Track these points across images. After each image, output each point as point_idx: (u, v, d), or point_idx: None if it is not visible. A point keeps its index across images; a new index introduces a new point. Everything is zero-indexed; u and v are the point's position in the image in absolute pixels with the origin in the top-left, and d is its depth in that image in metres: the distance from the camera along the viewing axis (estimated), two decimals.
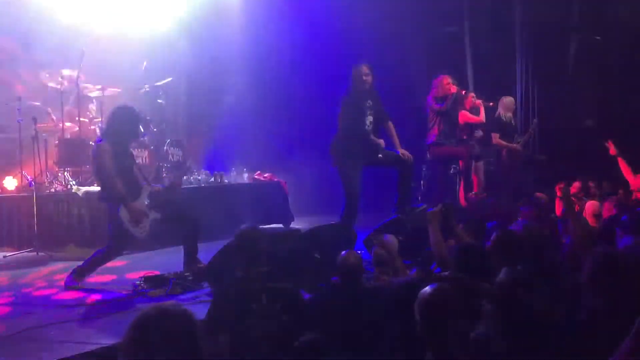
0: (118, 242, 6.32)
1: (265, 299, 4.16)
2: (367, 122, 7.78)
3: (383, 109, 8.00)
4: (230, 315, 4.12)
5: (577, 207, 7.79)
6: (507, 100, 10.43)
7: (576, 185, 8.76)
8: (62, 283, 6.20)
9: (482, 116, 10.15)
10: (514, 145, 10.26)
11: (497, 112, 10.36)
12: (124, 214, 6.10)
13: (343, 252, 4.99)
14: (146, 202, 6.31)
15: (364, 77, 7.69)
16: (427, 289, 3.14)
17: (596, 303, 3.35)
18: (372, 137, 7.73)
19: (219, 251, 5.93)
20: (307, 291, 5.09)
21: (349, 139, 7.70)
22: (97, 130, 9.61)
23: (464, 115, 10.13)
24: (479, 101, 10.19)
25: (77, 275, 6.20)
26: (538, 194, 8.52)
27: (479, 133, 10.32)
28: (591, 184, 9.06)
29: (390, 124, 8.03)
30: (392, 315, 3.99)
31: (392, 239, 5.69)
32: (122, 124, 6.40)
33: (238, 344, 4.05)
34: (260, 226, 5.36)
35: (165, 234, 7.81)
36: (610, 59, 11.74)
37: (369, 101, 7.77)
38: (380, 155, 7.79)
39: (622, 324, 2.89)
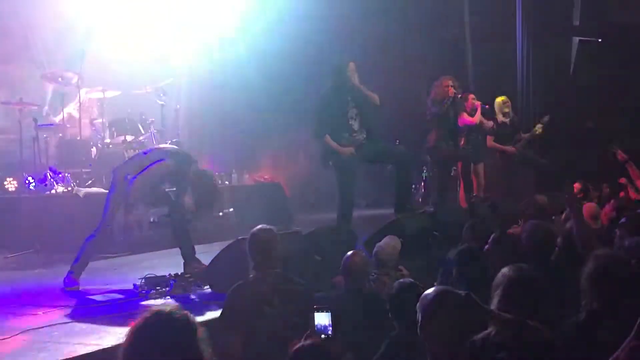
0: (106, 229, 6.33)
1: (277, 301, 4.16)
2: (352, 115, 7.74)
3: (367, 96, 7.93)
4: (243, 316, 4.12)
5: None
6: (497, 101, 10.40)
7: (575, 186, 8.75)
8: (62, 284, 6.20)
9: (477, 118, 10.10)
10: (507, 147, 10.24)
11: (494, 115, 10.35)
12: (120, 215, 6.12)
13: (349, 252, 4.98)
14: (151, 219, 6.34)
15: (351, 74, 7.67)
16: (430, 291, 3.15)
17: (596, 304, 3.36)
18: (327, 140, 7.66)
19: (220, 252, 5.93)
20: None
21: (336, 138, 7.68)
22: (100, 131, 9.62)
23: (463, 117, 10.14)
24: (477, 103, 10.18)
25: (73, 274, 6.19)
26: (538, 196, 8.52)
27: (489, 124, 10.29)
28: (590, 187, 9.06)
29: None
30: (394, 315, 4.00)
31: (394, 241, 5.69)
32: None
33: (250, 344, 4.05)
34: None
35: (165, 235, 7.83)
36: (612, 61, 11.74)
37: (348, 96, 7.74)
38: (374, 148, 7.77)
39: (621, 326, 2.89)
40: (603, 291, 3.33)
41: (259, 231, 4.53)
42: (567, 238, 5.25)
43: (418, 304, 3.14)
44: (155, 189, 6.51)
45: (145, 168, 6.31)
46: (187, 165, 6.46)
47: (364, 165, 8.37)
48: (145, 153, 6.86)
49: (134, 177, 6.23)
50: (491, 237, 4.86)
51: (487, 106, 10.27)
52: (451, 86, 9.11)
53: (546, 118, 10.34)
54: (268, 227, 4.63)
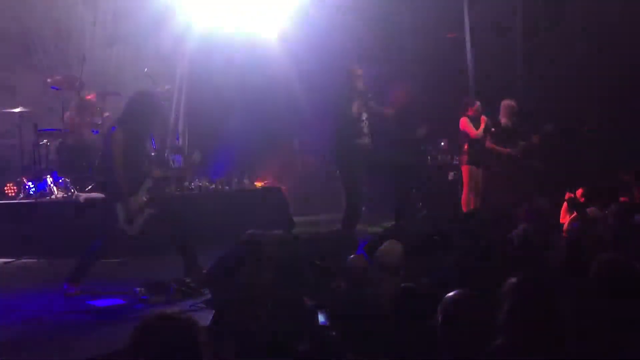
0: (108, 238, 6.32)
1: (270, 305, 4.17)
2: (362, 119, 7.71)
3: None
4: (237, 321, 4.12)
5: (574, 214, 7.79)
6: (504, 104, 10.36)
7: (579, 192, 8.75)
8: (62, 290, 6.18)
9: (480, 131, 10.04)
10: (506, 150, 10.22)
11: (499, 117, 10.31)
12: (120, 210, 6.09)
13: (351, 257, 4.99)
14: (144, 198, 6.30)
15: (357, 79, 7.65)
16: (452, 293, 3.14)
17: (601, 308, 3.35)
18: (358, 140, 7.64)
19: (220, 257, 5.91)
20: (308, 298, 5.08)
21: (345, 143, 7.66)
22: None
23: (464, 123, 10.10)
24: (484, 117, 10.10)
25: (74, 280, 6.17)
26: (538, 200, 8.52)
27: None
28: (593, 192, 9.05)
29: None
30: (395, 319, 3.99)
31: (396, 245, 5.66)
32: (140, 111, 6.31)
33: (244, 350, 4.05)
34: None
35: (166, 239, 7.81)
36: (613, 64, 11.69)
37: (360, 101, 7.71)
38: (380, 157, 7.78)
39: (627, 330, 2.88)
40: (607, 294, 3.31)
41: (250, 236, 4.53)
42: (572, 244, 5.24)
43: (440, 306, 3.12)
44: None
45: None
46: None
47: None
48: None
49: None
50: (481, 244, 4.87)
51: (493, 130, 10.18)
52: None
53: (549, 126, 10.28)
54: (259, 231, 4.62)
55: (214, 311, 4.52)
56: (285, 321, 4.18)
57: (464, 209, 9.95)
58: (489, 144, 10.21)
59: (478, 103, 10.31)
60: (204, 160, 7.41)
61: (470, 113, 10.13)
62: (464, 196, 10.22)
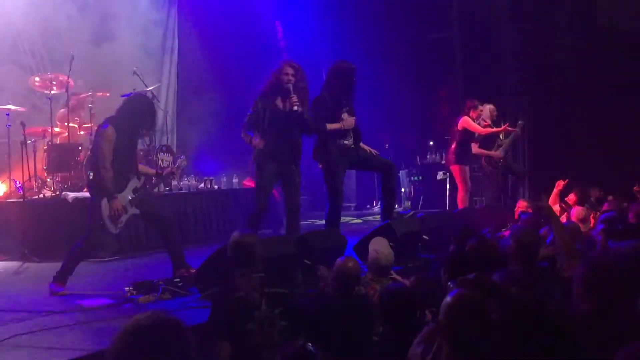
0: (93, 234, 6.32)
1: (264, 305, 4.17)
2: (345, 118, 7.68)
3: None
4: (231, 321, 4.12)
5: (565, 213, 7.84)
6: (487, 108, 10.40)
7: (571, 196, 8.84)
8: (49, 289, 6.15)
9: (485, 131, 10.11)
10: (493, 152, 10.29)
11: (479, 120, 10.32)
12: (104, 207, 6.09)
13: (341, 258, 4.99)
14: (129, 197, 6.29)
15: (354, 78, 7.63)
16: (451, 293, 3.15)
17: (586, 306, 3.36)
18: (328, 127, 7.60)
19: (209, 257, 5.91)
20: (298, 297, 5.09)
21: (328, 141, 7.60)
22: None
23: (466, 122, 10.07)
24: (486, 123, 10.17)
25: (60, 280, 6.14)
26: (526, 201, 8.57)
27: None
28: (588, 192, 9.13)
29: None
30: (385, 318, 4.01)
31: (383, 243, 5.66)
32: (135, 112, 6.34)
33: (239, 350, 4.05)
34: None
35: (154, 238, 7.79)
36: (600, 65, 11.75)
37: (343, 100, 7.68)
38: (360, 155, 7.74)
39: (614, 328, 2.90)
40: (594, 293, 3.33)
41: (241, 236, 4.53)
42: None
43: (441, 307, 3.12)
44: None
45: None
46: None
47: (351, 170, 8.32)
48: None
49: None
50: (468, 243, 4.88)
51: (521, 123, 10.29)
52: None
53: (521, 123, 10.42)
54: (251, 232, 4.64)
55: (206, 310, 4.51)
56: (279, 321, 4.19)
57: (460, 207, 9.94)
58: (475, 149, 10.26)
59: (479, 105, 10.30)
60: (192, 160, 7.38)
61: (472, 114, 10.13)
62: (460, 195, 10.16)
